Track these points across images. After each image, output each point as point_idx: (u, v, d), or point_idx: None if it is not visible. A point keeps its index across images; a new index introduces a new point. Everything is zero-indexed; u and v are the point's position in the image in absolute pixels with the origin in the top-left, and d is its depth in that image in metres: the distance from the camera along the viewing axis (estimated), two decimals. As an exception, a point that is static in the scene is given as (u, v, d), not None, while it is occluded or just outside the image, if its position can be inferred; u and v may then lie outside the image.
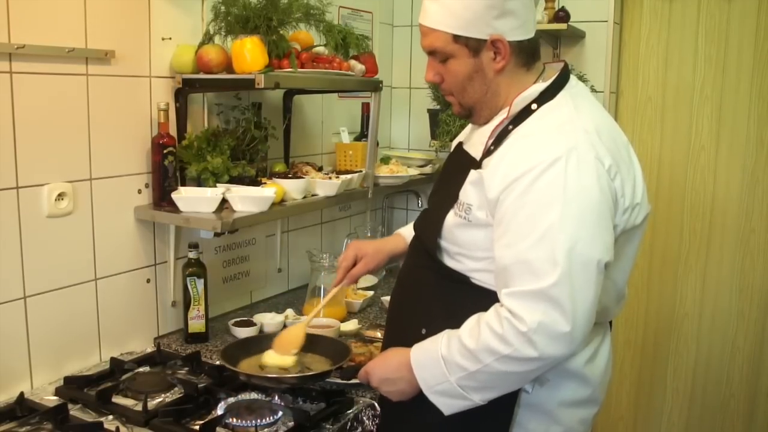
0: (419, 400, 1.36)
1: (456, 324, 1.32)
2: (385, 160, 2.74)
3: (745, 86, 2.70)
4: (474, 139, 1.44)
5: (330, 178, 2.28)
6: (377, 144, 2.57)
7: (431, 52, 1.39)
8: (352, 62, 2.25)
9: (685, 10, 2.76)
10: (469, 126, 1.55)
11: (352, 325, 2.18)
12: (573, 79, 1.41)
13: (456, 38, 1.34)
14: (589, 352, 1.40)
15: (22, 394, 1.62)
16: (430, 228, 1.44)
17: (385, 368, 1.41)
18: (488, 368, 1.24)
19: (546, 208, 1.21)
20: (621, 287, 1.46)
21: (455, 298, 1.39)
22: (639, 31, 2.85)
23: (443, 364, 1.29)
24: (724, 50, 2.72)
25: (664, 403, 3.04)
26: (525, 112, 1.34)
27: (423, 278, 1.46)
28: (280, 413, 1.57)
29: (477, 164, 1.37)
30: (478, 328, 1.26)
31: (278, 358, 1.65)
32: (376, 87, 2.32)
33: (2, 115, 1.60)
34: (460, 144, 1.51)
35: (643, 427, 3.09)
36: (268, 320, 2.18)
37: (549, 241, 1.20)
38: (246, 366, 1.66)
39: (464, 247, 1.36)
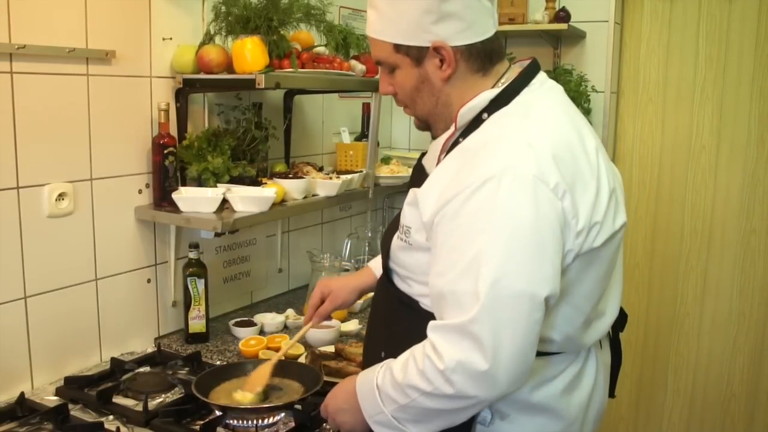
0: None
1: (408, 347, 1.23)
2: (386, 161, 2.74)
3: (746, 86, 2.70)
4: (430, 152, 1.34)
5: (330, 178, 2.27)
6: (378, 144, 2.57)
7: (378, 63, 1.31)
8: (353, 62, 2.25)
9: (685, 10, 2.76)
10: None
11: (352, 325, 2.18)
12: (540, 77, 1.28)
13: (397, 48, 1.25)
14: (562, 383, 1.28)
15: (22, 394, 1.62)
16: (383, 250, 1.40)
17: (336, 399, 1.35)
18: (416, 403, 1.16)
19: (472, 235, 1.10)
20: (588, 312, 1.27)
21: (407, 322, 1.31)
22: (640, 31, 2.85)
23: (378, 395, 1.22)
24: (724, 50, 2.72)
25: (665, 403, 3.04)
26: (476, 123, 1.23)
27: (382, 300, 1.42)
28: (281, 414, 1.57)
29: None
30: (406, 363, 1.18)
31: (246, 395, 1.60)
32: (376, 87, 2.31)
33: (3, 115, 1.60)
34: (422, 156, 1.40)
35: (644, 427, 3.09)
36: (269, 320, 2.18)
37: (473, 273, 1.08)
38: (222, 392, 1.62)
39: (410, 270, 1.29)
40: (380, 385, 1.22)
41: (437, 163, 1.27)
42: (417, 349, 1.17)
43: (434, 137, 1.34)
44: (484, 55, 1.25)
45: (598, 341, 1.37)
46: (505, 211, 1.08)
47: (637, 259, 2.97)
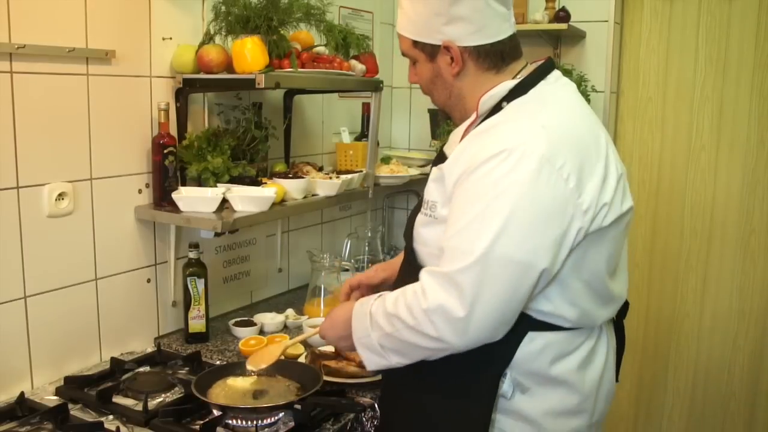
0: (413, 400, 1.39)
1: None
2: (386, 160, 2.74)
3: (746, 86, 2.70)
4: (453, 136, 1.44)
5: (330, 178, 2.27)
6: (378, 144, 2.57)
7: (404, 55, 1.45)
8: (353, 62, 2.25)
9: (685, 10, 2.76)
10: None
11: (352, 325, 2.18)
12: (555, 74, 1.38)
13: (415, 43, 1.38)
14: (578, 358, 1.35)
15: (22, 393, 1.62)
16: (406, 235, 1.46)
17: (333, 327, 1.45)
18: (398, 334, 1.27)
19: (474, 199, 1.21)
20: (599, 289, 1.34)
21: None
22: (639, 31, 2.85)
23: (368, 319, 1.33)
24: (724, 50, 2.72)
25: (665, 402, 3.04)
26: (495, 110, 1.33)
27: (405, 282, 1.43)
28: (281, 414, 1.57)
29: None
30: (398, 296, 1.29)
31: (240, 381, 1.65)
32: (376, 87, 2.32)
33: (2, 115, 1.60)
34: (441, 147, 1.51)
35: (644, 427, 3.09)
36: (269, 320, 2.18)
37: (473, 231, 1.19)
38: (219, 389, 1.63)
39: (432, 246, 1.34)
40: (373, 312, 1.33)
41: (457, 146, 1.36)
42: (409, 287, 1.28)
43: (455, 124, 1.46)
44: (494, 55, 1.35)
45: (607, 323, 1.45)
46: (509, 183, 1.18)
47: (637, 259, 2.97)
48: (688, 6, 2.76)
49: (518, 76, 1.36)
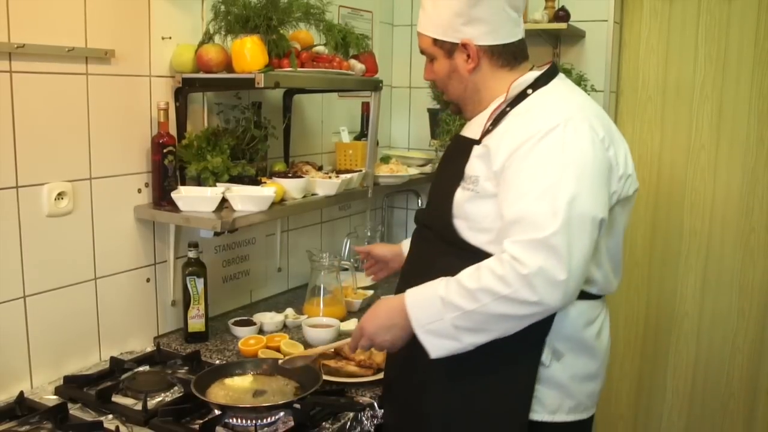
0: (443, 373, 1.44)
1: None
2: (385, 160, 2.74)
3: (746, 85, 2.70)
4: (472, 125, 1.54)
5: (330, 177, 2.27)
6: (377, 143, 2.57)
7: (422, 53, 1.56)
8: (352, 62, 2.25)
9: (685, 9, 2.76)
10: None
11: (352, 324, 2.18)
12: (561, 75, 1.53)
13: (435, 41, 1.50)
14: (596, 327, 1.48)
15: (21, 393, 1.62)
16: (440, 212, 1.49)
17: (378, 318, 1.45)
18: (485, 308, 1.29)
19: (546, 167, 1.31)
20: (617, 259, 1.51)
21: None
22: (639, 30, 2.85)
23: (439, 303, 1.34)
24: (724, 49, 2.72)
25: (664, 402, 3.04)
26: (521, 97, 1.45)
27: (438, 262, 1.48)
28: (281, 413, 1.57)
29: (477, 142, 1.46)
30: (478, 272, 1.32)
31: (240, 380, 1.68)
32: (376, 86, 2.32)
33: (2, 115, 1.60)
34: (456, 135, 1.63)
35: (643, 427, 3.09)
36: (268, 320, 2.18)
37: (550, 196, 1.28)
38: (219, 389, 1.63)
39: (473, 220, 1.42)
40: (443, 295, 1.34)
41: (483, 130, 1.47)
42: (488, 261, 1.32)
43: (466, 118, 1.59)
44: (507, 54, 1.49)
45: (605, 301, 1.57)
46: (573, 149, 1.32)
47: (636, 258, 2.97)
48: (687, 5, 2.75)
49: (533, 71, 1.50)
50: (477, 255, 1.39)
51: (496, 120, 1.45)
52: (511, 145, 1.35)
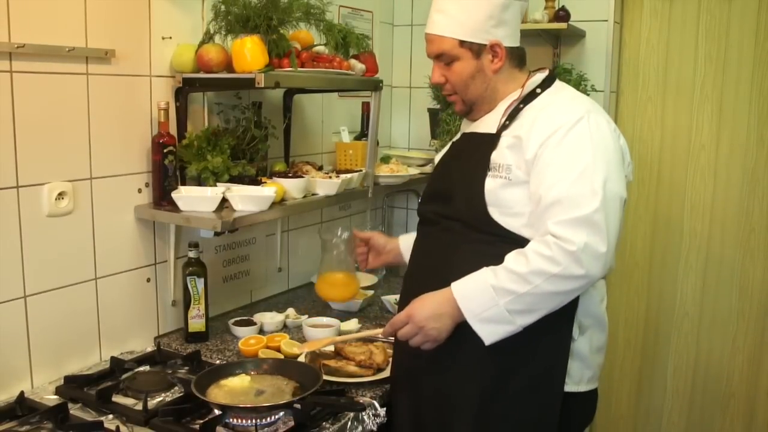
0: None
1: None
2: (386, 160, 2.74)
3: (746, 85, 2.70)
4: (485, 122, 1.64)
5: (330, 177, 2.27)
6: (377, 143, 2.57)
7: (438, 56, 1.61)
8: (353, 61, 2.25)
9: (685, 9, 2.76)
10: (465, 122, 1.76)
11: (352, 324, 2.18)
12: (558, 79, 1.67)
13: (462, 43, 1.57)
14: (605, 303, 1.64)
15: (22, 393, 1.62)
16: (472, 201, 1.55)
17: (426, 307, 1.50)
18: (537, 289, 1.40)
19: (579, 154, 1.45)
20: (618, 240, 1.58)
21: (503, 254, 1.50)
22: (639, 30, 2.85)
23: (492, 291, 1.43)
24: (724, 49, 2.72)
25: (664, 402, 3.04)
26: (531, 95, 1.59)
27: (470, 251, 1.55)
28: (281, 413, 1.57)
29: (496, 136, 1.56)
30: (524, 257, 1.43)
31: (240, 380, 1.67)
32: (376, 86, 2.32)
33: (2, 115, 1.60)
34: (465, 133, 1.71)
35: (643, 427, 3.09)
36: (268, 319, 2.18)
37: (587, 178, 1.42)
38: (219, 389, 1.63)
39: (506, 206, 1.52)
40: (494, 283, 1.44)
41: (499, 125, 1.58)
42: (532, 245, 1.43)
43: (473, 119, 1.68)
44: (519, 56, 1.64)
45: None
46: (598, 138, 1.47)
47: (636, 259, 2.97)
48: (687, 5, 2.75)
49: (533, 74, 1.64)
50: (507, 239, 1.50)
51: (512, 115, 1.57)
52: (542, 135, 1.47)
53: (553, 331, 1.51)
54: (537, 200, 1.46)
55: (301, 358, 1.86)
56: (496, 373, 1.52)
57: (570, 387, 1.56)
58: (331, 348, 1.94)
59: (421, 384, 1.63)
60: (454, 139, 1.76)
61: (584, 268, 1.39)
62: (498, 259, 1.47)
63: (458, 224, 1.58)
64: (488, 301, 1.43)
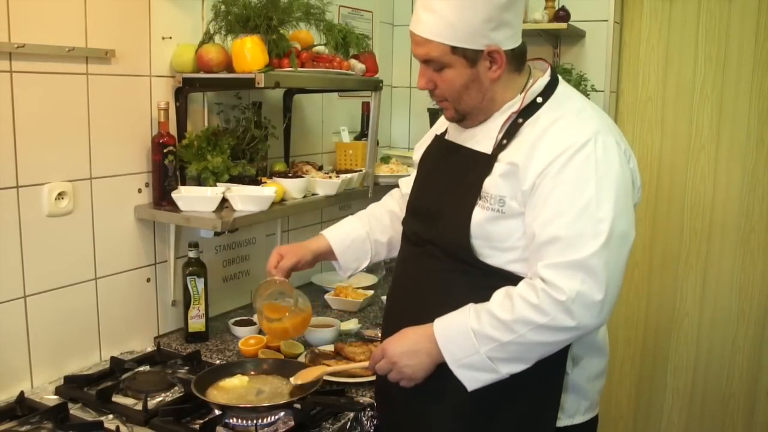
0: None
1: None
2: (385, 160, 2.74)
3: (746, 85, 2.70)
4: (479, 135, 1.43)
5: (330, 177, 2.28)
6: (377, 143, 2.58)
7: (426, 61, 1.38)
8: (353, 61, 2.25)
9: (685, 9, 2.76)
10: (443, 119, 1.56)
11: (351, 324, 2.18)
12: (559, 77, 1.47)
13: (454, 50, 1.34)
14: (604, 327, 1.48)
15: (22, 393, 1.62)
16: (454, 231, 1.39)
17: (402, 343, 1.38)
18: (521, 338, 1.26)
19: (581, 185, 1.26)
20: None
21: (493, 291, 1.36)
22: (639, 30, 2.85)
23: (473, 337, 1.29)
24: (724, 49, 2.72)
25: (664, 402, 3.04)
26: (532, 106, 1.38)
27: (451, 282, 1.42)
28: (281, 413, 1.57)
29: (491, 158, 1.37)
30: (510, 301, 1.28)
31: (240, 380, 1.65)
32: (376, 86, 2.32)
33: (2, 115, 1.60)
34: (456, 144, 1.49)
35: (643, 427, 3.09)
36: (268, 319, 2.18)
37: (589, 215, 1.25)
38: (219, 389, 1.62)
39: (496, 240, 1.36)
40: (476, 328, 1.29)
41: (495, 143, 1.39)
42: (518, 289, 1.28)
43: (467, 127, 1.47)
44: (519, 56, 1.41)
45: None
46: (606, 165, 1.28)
47: (636, 259, 2.97)
48: (687, 5, 2.76)
49: (530, 78, 1.43)
50: (492, 274, 1.36)
51: (509, 132, 1.38)
52: (542, 162, 1.29)
53: (542, 366, 1.33)
54: (531, 236, 1.30)
55: (302, 358, 1.86)
56: (482, 412, 1.40)
57: (564, 421, 1.43)
58: (331, 348, 1.94)
59: (402, 422, 1.53)
60: (439, 133, 1.57)
61: (575, 319, 1.24)
62: (483, 292, 1.34)
63: (440, 251, 1.43)
64: (469, 347, 1.30)
